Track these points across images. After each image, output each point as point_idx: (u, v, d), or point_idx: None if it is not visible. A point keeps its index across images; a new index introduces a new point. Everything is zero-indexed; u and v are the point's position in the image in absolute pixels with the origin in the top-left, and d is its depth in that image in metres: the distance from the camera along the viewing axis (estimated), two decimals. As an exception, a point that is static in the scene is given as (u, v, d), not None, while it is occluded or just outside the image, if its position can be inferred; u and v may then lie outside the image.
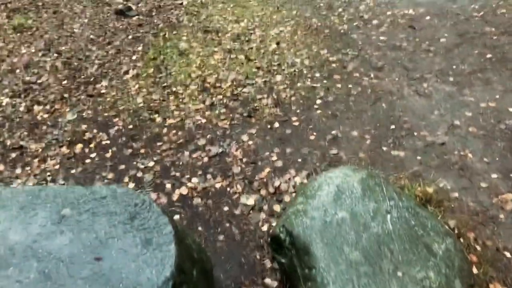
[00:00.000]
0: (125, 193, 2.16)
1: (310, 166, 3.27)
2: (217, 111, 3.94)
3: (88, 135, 3.83)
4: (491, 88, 3.80)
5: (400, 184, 2.84)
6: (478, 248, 2.41)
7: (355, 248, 2.09)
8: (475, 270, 2.22)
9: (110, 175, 3.45)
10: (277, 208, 3.03)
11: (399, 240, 2.14)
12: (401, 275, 1.99)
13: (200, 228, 2.99)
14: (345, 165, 3.15)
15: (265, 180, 3.24)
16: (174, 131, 3.79)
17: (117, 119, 3.97)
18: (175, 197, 3.23)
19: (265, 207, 3.05)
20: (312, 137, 3.53)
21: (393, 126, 3.50)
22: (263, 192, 3.15)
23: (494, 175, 2.96)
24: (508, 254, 2.40)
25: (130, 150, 3.65)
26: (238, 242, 2.89)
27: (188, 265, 1.99)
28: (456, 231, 2.44)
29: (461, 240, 2.39)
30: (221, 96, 4.13)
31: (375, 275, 1.99)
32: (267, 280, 2.65)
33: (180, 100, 4.13)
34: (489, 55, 4.25)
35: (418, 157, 3.18)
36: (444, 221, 2.50)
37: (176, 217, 3.08)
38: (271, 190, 3.15)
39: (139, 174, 3.43)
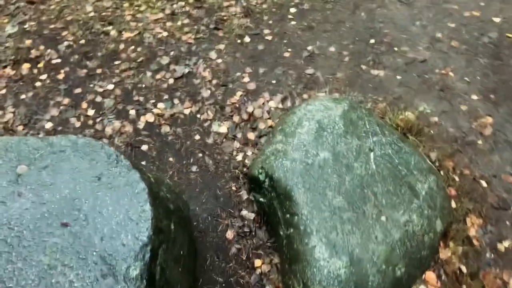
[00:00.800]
0: (87, 145, 1.93)
1: (285, 89, 3.06)
2: (179, 22, 3.52)
3: (34, 52, 3.38)
4: (476, -6, 3.54)
5: (381, 110, 2.71)
6: (457, 178, 2.40)
7: (338, 192, 2.02)
8: (453, 204, 2.23)
9: (66, 101, 3.13)
10: (251, 136, 2.87)
11: (383, 181, 2.08)
12: (384, 219, 1.96)
13: (171, 159, 2.83)
14: (323, 90, 2.96)
15: (237, 105, 3.03)
16: (132, 47, 3.40)
17: (66, 32, 3.49)
18: (141, 125, 2.99)
19: (239, 135, 2.89)
20: (286, 54, 3.26)
21: (372, 40, 3.26)
22: (236, 118, 2.96)
23: (474, 97, 2.87)
24: (484, 183, 2.42)
25: (85, 71, 3.28)
26: (212, 173, 2.78)
27: (165, 222, 1.87)
28: (437, 163, 2.41)
29: (441, 173, 2.37)
30: (182, 3, 3.67)
31: (358, 221, 1.95)
32: (244, 212, 2.60)
33: (136, 8, 3.64)
34: (475, -48, 3.89)
35: (398, 77, 3.02)
36: (425, 152, 2.45)
37: (145, 147, 2.89)
38: (245, 116, 2.96)
39: (98, 99, 3.13)
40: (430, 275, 1.98)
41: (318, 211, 1.96)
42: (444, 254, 2.02)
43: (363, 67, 3.10)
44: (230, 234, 2.54)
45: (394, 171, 2.13)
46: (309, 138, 2.21)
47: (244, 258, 2.45)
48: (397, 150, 2.22)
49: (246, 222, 2.57)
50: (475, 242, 2.14)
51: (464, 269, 2.01)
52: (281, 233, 2.14)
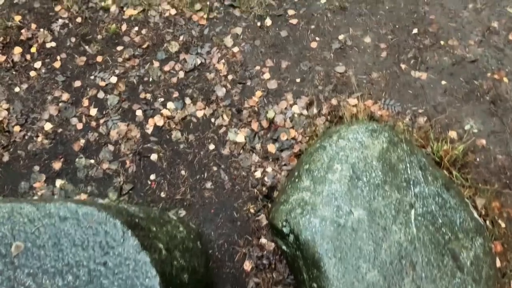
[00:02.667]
0: (89, 215, 1.69)
1: (311, 90, 2.68)
2: (190, -4, 3.03)
3: (25, 33, 2.97)
4: (543, -37, 2.94)
5: (421, 130, 2.37)
6: (503, 224, 2.15)
7: (373, 265, 1.80)
8: (498, 263, 2.01)
9: (65, 96, 2.80)
10: (271, 149, 2.58)
11: (423, 249, 1.84)
12: (423, 299, 1.77)
13: (183, 172, 2.58)
14: (355, 96, 2.59)
15: (256, 108, 2.68)
16: (136, 29, 2.96)
17: (59, 7, 3.03)
18: (149, 129, 2.69)
19: (258, 147, 2.60)
20: (314, 44, 2.81)
21: (415, 30, 2.78)
22: (254, 125, 2.64)
23: (530, 112, 2.50)
24: (532, 229, 2.18)
25: (83, 58, 2.89)
26: (229, 191, 2.54)
27: (180, 305, 1.69)
28: (483, 211, 2.14)
29: (487, 222, 2.11)
30: (193, -32, 3.13)
31: (394, 300, 1.76)
32: (263, 241, 2.42)
33: (139, -25, 3.12)
34: None
35: (443, 82, 2.61)
36: (470, 196, 2.17)
37: (154, 156, 2.62)
38: (264, 123, 2.64)
39: (101, 95, 2.79)
40: None
41: (349, 288, 1.76)
42: (483, 329, 1.86)
43: (403, 66, 2.68)
44: (248, 265, 2.38)
45: (436, 235, 1.88)
46: (341, 189, 1.93)
47: (263, 295, 2.32)
48: (441, 205, 1.95)
49: (265, 252, 2.40)
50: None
51: None
52: (306, 294, 1.96)
